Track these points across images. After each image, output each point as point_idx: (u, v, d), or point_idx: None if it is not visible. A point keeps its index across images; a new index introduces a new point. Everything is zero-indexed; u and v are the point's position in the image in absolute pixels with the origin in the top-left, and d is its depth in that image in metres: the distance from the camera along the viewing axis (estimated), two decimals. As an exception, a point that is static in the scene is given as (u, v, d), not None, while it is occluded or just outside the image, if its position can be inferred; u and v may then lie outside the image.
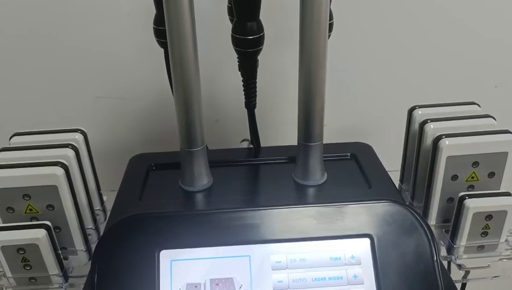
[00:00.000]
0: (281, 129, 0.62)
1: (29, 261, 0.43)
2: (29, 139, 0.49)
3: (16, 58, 0.65)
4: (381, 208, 0.37)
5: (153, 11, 0.49)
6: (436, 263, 0.35)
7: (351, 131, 0.68)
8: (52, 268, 0.44)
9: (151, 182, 0.51)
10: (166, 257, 0.35)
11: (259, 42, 0.47)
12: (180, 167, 0.49)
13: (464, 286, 0.50)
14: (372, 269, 0.35)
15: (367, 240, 0.36)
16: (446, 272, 0.42)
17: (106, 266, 0.35)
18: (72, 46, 0.64)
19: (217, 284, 0.34)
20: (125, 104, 0.67)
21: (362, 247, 0.36)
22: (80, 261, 0.47)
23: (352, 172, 0.52)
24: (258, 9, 0.46)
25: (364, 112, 0.69)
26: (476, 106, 0.53)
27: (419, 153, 0.50)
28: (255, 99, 0.52)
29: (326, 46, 0.45)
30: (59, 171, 0.43)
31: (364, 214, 0.37)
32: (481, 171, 0.47)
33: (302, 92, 0.46)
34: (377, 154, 0.56)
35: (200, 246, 0.35)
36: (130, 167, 0.53)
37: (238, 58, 0.49)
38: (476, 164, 0.47)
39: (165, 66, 0.51)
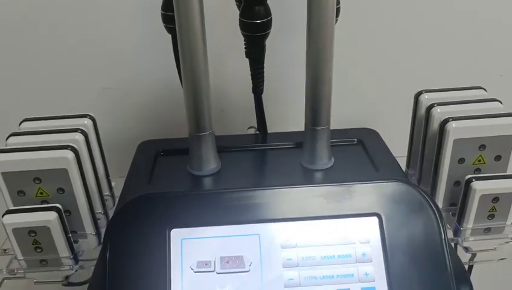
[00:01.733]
0: (287, 115, 0.62)
1: (40, 243, 0.44)
2: (39, 124, 0.50)
3: (25, 50, 0.65)
4: (389, 187, 0.37)
5: (158, 1, 0.50)
6: (444, 242, 0.35)
7: (357, 117, 0.68)
8: (63, 251, 0.44)
9: (160, 167, 0.51)
10: (177, 235, 0.35)
11: (267, 26, 0.47)
12: (188, 153, 0.50)
13: (470, 268, 0.51)
14: (381, 247, 0.35)
15: (375, 219, 0.36)
16: (454, 252, 0.42)
17: (118, 245, 0.35)
18: (79, 37, 0.64)
19: (227, 262, 0.35)
20: (133, 94, 0.67)
21: (370, 226, 0.36)
22: (90, 245, 0.48)
23: (359, 157, 0.52)
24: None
25: (370, 98, 0.69)
26: (482, 90, 0.53)
27: (426, 137, 0.51)
28: (263, 85, 0.52)
29: (333, 30, 0.45)
30: (69, 154, 0.44)
31: (372, 193, 0.37)
32: (488, 154, 0.47)
33: (310, 77, 0.47)
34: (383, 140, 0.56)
35: (210, 225, 0.35)
36: (139, 153, 0.54)
37: (245, 43, 0.49)
38: (482, 146, 0.47)
39: (171, 54, 0.52)
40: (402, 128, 0.58)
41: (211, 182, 0.46)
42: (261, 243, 0.35)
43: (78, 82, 0.67)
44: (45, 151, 0.44)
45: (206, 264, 0.34)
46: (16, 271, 0.45)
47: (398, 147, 0.56)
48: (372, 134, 0.56)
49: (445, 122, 0.47)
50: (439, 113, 0.48)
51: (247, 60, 0.51)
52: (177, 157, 0.52)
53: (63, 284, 0.47)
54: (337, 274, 0.35)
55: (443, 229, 0.36)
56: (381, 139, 0.55)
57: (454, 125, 0.46)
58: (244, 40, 0.49)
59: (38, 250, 0.44)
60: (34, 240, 0.44)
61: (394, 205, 0.37)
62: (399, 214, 0.36)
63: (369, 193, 0.37)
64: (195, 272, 0.34)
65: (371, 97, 0.69)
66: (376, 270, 0.35)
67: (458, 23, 0.68)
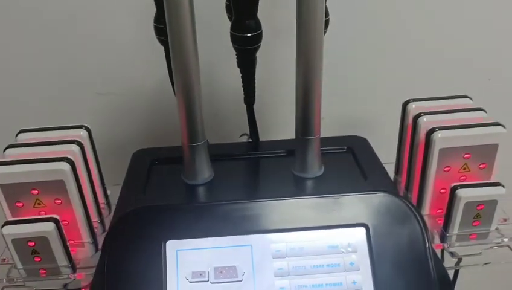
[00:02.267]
0: (279, 124, 0.63)
1: (39, 253, 0.45)
2: (35, 135, 0.51)
3: (17, 57, 0.66)
4: (376, 198, 0.39)
5: (153, 7, 0.51)
6: (428, 251, 0.37)
7: (348, 124, 0.70)
8: (61, 260, 0.46)
9: (154, 176, 0.53)
10: (172, 247, 0.36)
11: (257, 39, 0.49)
12: (181, 162, 0.51)
13: (456, 272, 0.52)
14: (368, 256, 0.37)
15: (363, 229, 0.38)
16: (438, 259, 0.44)
17: (115, 257, 0.36)
18: (72, 43, 0.65)
19: (221, 272, 0.36)
20: (127, 101, 0.68)
21: (358, 236, 0.37)
22: (87, 253, 0.49)
23: (348, 165, 0.53)
24: (256, 7, 0.48)
25: (360, 106, 0.70)
26: (468, 99, 0.55)
27: (413, 145, 0.52)
28: (254, 95, 0.54)
29: (322, 42, 0.46)
30: (66, 166, 0.45)
31: (360, 204, 0.38)
32: (472, 163, 0.49)
33: (300, 88, 0.48)
34: (373, 147, 0.58)
35: (204, 237, 0.37)
36: (133, 162, 0.55)
37: (237, 55, 0.50)
38: (467, 155, 0.49)
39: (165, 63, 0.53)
40: (391, 134, 0.59)
41: (204, 191, 0.48)
42: (253, 254, 0.37)
43: (73, 89, 0.68)
44: (42, 163, 0.45)
45: (200, 274, 0.36)
46: (15, 280, 0.46)
47: (388, 153, 0.58)
48: (362, 142, 0.57)
49: (431, 131, 0.48)
50: (425, 123, 0.50)
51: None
52: (172, 166, 0.53)
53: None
54: (326, 283, 0.36)
55: (427, 238, 0.38)
56: (370, 146, 0.57)
57: (439, 135, 0.48)
58: (236, 53, 0.50)
59: (37, 259, 0.45)
60: (32, 249, 0.45)
61: (381, 216, 0.38)
62: (385, 225, 0.38)
63: (357, 204, 0.38)
64: (190, 282, 0.36)
65: (361, 104, 0.71)
66: (363, 278, 0.37)
67: (446, 31, 0.69)
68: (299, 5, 0.44)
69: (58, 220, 0.45)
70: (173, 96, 0.49)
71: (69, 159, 0.45)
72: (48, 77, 0.67)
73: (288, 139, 0.54)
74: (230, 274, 0.36)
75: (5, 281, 0.47)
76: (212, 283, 0.36)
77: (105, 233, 0.43)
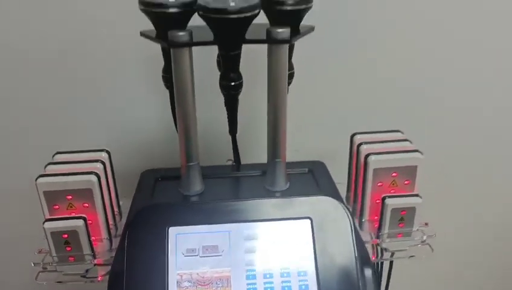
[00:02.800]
0: (256, 150, 0.79)
1: (70, 243, 0.59)
2: (67, 156, 0.66)
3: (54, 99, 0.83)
4: (319, 200, 0.54)
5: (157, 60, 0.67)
6: (352, 236, 0.52)
7: (310, 151, 0.86)
8: (86, 249, 0.60)
9: (158, 189, 0.68)
10: (173, 231, 0.51)
11: (239, 87, 0.65)
12: (179, 179, 0.66)
13: (391, 263, 0.67)
14: (311, 239, 0.52)
15: (308, 221, 0.53)
16: (362, 244, 0.58)
17: (133, 238, 0.51)
18: (93, 94, 0.83)
19: (207, 249, 0.50)
20: (138, 133, 0.85)
21: (305, 225, 0.53)
22: (104, 248, 0.63)
23: (308, 182, 0.69)
24: (238, 64, 0.64)
25: (320, 137, 0.88)
26: (399, 133, 0.71)
27: (357, 167, 0.68)
28: (236, 127, 0.70)
29: (286, 90, 0.63)
30: (94, 178, 0.60)
31: (307, 204, 0.54)
32: (399, 180, 0.65)
33: (270, 123, 0.64)
34: (329, 170, 0.74)
35: (196, 224, 0.51)
36: (142, 179, 0.70)
37: (224, 98, 0.67)
38: (395, 173, 0.65)
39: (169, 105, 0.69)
40: (345, 160, 0.75)
41: (196, 199, 0.63)
42: (230, 237, 0.51)
43: (94, 120, 0.85)
44: (76, 175, 0.60)
45: (192, 250, 0.50)
46: (50, 264, 0.60)
47: (342, 174, 0.74)
48: (320, 165, 0.73)
49: (367, 156, 0.64)
50: (365, 150, 0.66)
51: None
52: (172, 182, 0.69)
53: (81, 275, 0.62)
54: (282, 255, 0.51)
55: (353, 228, 0.53)
56: (327, 169, 0.73)
57: (373, 159, 0.64)
58: (223, 96, 0.67)
59: (68, 249, 0.60)
60: (65, 241, 0.59)
61: (321, 212, 0.53)
62: (325, 218, 0.53)
63: (305, 204, 0.54)
64: (185, 256, 0.50)
65: (320, 135, 0.88)
66: (308, 252, 0.51)
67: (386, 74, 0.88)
68: (269, 63, 0.61)
69: (86, 219, 0.59)
70: (173, 129, 0.65)
71: (96, 173, 0.61)
72: (73, 114, 0.84)
73: (263, 163, 0.70)
74: (213, 251, 0.50)
75: (41, 267, 0.61)
76: (200, 256, 0.50)
77: (119, 233, 0.57)
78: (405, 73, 0.89)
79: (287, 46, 0.60)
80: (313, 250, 0.51)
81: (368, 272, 0.52)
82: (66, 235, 0.59)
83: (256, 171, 0.71)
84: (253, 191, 0.66)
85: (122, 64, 0.83)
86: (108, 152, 0.67)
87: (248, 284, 0.49)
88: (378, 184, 0.65)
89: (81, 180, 0.60)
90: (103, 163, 0.64)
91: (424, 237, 0.64)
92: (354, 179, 0.69)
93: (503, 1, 0.86)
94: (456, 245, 1.04)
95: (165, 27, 0.59)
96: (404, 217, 0.63)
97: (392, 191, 0.66)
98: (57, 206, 0.61)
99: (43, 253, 0.62)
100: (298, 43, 0.64)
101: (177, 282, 0.49)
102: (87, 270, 0.61)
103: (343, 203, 0.55)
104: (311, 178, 0.70)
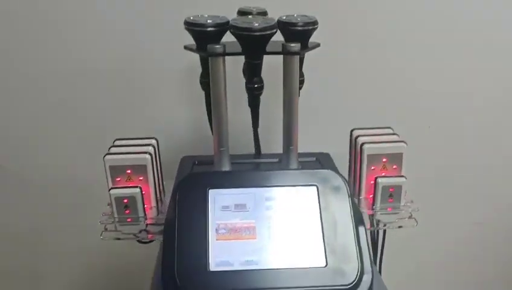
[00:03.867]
0: (274, 140, 0.96)
1: (129, 207, 0.76)
2: (125, 142, 0.84)
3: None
4: (324, 172, 0.70)
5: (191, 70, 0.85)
6: (349, 201, 0.68)
7: (317, 143, 1.02)
8: (141, 212, 0.77)
9: (195, 171, 0.85)
10: (212, 193, 0.67)
11: (261, 88, 0.82)
12: (212, 163, 0.83)
13: (384, 232, 0.83)
14: (317, 203, 0.68)
15: (314, 188, 0.69)
16: (357, 208, 0.74)
17: (182, 197, 0.68)
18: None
19: (237, 206, 0.67)
20: (179, 128, 1.06)
21: (312, 191, 0.69)
22: (153, 214, 0.80)
23: (316, 167, 0.86)
24: (260, 71, 0.81)
25: (324, 131, 1.05)
26: (390, 129, 0.87)
27: (355, 155, 0.84)
28: (258, 122, 0.87)
29: (298, 92, 0.79)
30: (148, 156, 0.77)
31: (314, 175, 0.70)
32: (388, 164, 0.81)
33: (285, 118, 0.81)
34: (333, 159, 0.90)
35: (229, 188, 0.68)
36: (182, 163, 0.87)
37: (248, 98, 0.84)
38: (385, 159, 0.80)
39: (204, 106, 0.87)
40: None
41: (227, 176, 0.80)
42: (255, 198, 0.68)
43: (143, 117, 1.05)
44: (134, 154, 0.77)
45: (227, 207, 0.67)
46: (113, 223, 0.77)
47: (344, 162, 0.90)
48: (326, 155, 0.90)
49: (362, 144, 0.81)
50: (361, 140, 0.83)
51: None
52: (206, 165, 0.86)
53: (134, 235, 0.78)
54: (295, 216, 0.67)
55: (350, 195, 0.69)
56: (331, 158, 0.89)
57: (367, 146, 0.80)
58: (248, 97, 0.84)
59: (127, 211, 0.76)
60: (125, 205, 0.76)
61: (326, 181, 0.69)
62: (328, 186, 0.69)
63: (312, 175, 0.70)
64: (221, 211, 0.67)
65: (325, 129, 1.05)
66: (315, 211, 0.67)
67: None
68: (284, 71, 0.78)
69: (141, 188, 0.76)
70: (207, 126, 0.83)
71: (150, 153, 0.78)
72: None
73: (279, 153, 0.87)
74: (242, 208, 0.67)
75: (104, 227, 0.78)
76: (232, 211, 0.67)
77: (164, 205, 0.74)
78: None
79: (297, 57, 0.78)
80: (318, 210, 0.67)
81: (362, 229, 0.68)
82: (126, 200, 0.76)
83: (273, 158, 0.88)
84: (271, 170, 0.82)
85: (164, 73, 1.02)
86: (156, 139, 0.85)
87: (269, 233, 0.66)
88: (372, 168, 0.81)
89: (138, 158, 0.77)
90: (154, 147, 0.81)
91: (410, 210, 0.79)
92: (353, 165, 0.85)
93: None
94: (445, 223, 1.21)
95: (204, 42, 0.77)
96: (393, 193, 0.79)
97: (382, 173, 0.81)
98: (119, 178, 0.78)
99: (105, 215, 0.78)
100: (307, 56, 0.82)
101: (215, 229, 0.66)
102: (140, 231, 0.78)
103: (342, 177, 0.71)
104: (318, 164, 0.86)
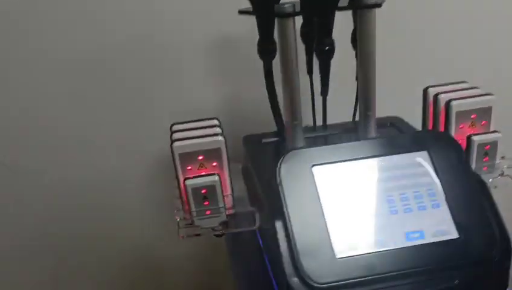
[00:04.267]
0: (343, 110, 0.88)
1: (207, 198, 0.66)
2: (185, 125, 0.73)
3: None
4: (434, 134, 0.64)
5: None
6: (465, 165, 0.62)
7: (386, 109, 0.95)
8: (220, 202, 0.67)
9: (266, 147, 0.78)
10: (316, 169, 0.60)
11: (332, 51, 0.74)
12: (277, 140, 0.75)
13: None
14: (432, 167, 0.61)
15: (425, 153, 0.62)
16: (471, 170, 0.68)
17: (286, 176, 0.59)
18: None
19: (348, 181, 0.60)
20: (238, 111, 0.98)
21: (423, 156, 0.62)
22: (229, 203, 0.70)
23: (393, 132, 0.78)
24: (331, 30, 0.73)
25: (394, 97, 0.97)
26: (466, 83, 0.81)
27: (435, 115, 0.77)
28: (327, 89, 0.78)
29: (375, 50, 0.71)
30: (221, 138, 0.67)
31: (424, 138, 0.63)
32: (477, 120, 0.75)
33: (361, 81, 0.72)
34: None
35: (329, 163, 0.60)
36: (246, 141, 0.79)
37: (319, 62, 0.75)
38: (473, 115, 0.74)
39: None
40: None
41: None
42: (366, 170, 0.61)
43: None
44: (206, 137, 0.67)
45: (337, 184, 0.59)
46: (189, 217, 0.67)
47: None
48: (399, 119, 0.83)
49: (448, 102, 0.74)
50: (442, 98, 0.76)
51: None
52: (274, 142, 0.77)
53: (212, 229, 0.68)
54: (410, 183, 0.61)
55: (464, 157, 0.62)
56: (406, 121, 0.82)
57: (455, 103, 0.73)
58: (318, 61, 0.75)
59: (206, 203, 0.66)
60: (203, 196, 0.66)
61: (436, 145, 0.63)
62: (439, 150, 0.62)
63: (422, 138, 0.63)
64: (331, 188, 0.59)
65: (395, 95, 0.97)
66: (434, 181, 0.61)
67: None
68: (359, 28, 0.70)
69: (219, 175, 0.67)
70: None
71: (222, 134, 0.68)
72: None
73: (347, 121, 0.79)
74: (355, 183, 0.60)
75: (180, 224, 0.67)
76: (344, 188, 0.59)
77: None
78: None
79: (375, 11, 0.69)
80: (436, 176, 0.61)
81: (487, 192, 0.61)
82: (204, 191, 0.66)
83: (342, 128, 0.80)
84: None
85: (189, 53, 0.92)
86: (218, 119, 0.74)
87: (388, 205, 0.59)
88: (460, 126, 0.74)
89: (211, 141, 0.67)
90: (221, 128, 0.71)
91: (505, 167, 0.74)
92: (433, 126, 0.79)
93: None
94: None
95: (267, 3, 0.68)
96: (488, 151, 0.73)
97: (472, 132, 0.75)
98: (190, 167, 0.67)
99: (179, 210, 0.68)
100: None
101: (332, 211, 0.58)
102: (221, 223, 0.68)
103: (454, 139, 0.64)
104: (395, 129, 0.79)
